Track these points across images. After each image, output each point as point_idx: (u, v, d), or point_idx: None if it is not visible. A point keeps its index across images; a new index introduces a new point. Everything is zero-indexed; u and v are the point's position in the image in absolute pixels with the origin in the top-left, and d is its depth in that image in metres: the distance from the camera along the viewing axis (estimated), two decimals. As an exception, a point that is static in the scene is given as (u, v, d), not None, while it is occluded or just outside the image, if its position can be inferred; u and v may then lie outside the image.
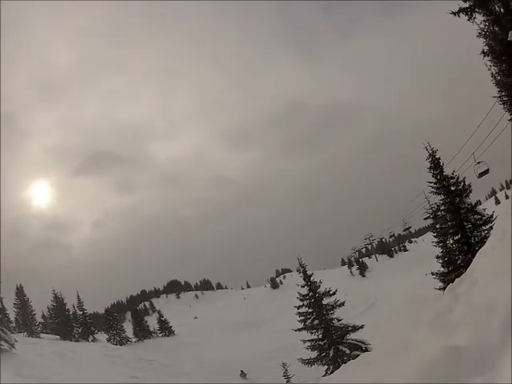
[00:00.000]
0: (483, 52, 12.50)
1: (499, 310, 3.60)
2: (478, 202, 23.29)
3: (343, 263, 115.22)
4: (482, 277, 5.77)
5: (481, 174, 23.93)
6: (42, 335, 48.09)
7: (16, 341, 28.85)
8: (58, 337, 47.05)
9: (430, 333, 4.56)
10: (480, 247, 14.75)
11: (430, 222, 26.54)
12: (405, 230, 69.30)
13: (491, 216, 20.92)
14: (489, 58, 12.64)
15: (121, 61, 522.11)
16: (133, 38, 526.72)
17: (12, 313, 49.06)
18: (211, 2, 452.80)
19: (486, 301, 4.07)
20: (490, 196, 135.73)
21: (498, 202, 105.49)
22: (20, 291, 50.94)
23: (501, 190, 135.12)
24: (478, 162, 22.95)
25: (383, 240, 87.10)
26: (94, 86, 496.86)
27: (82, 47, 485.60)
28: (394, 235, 76.79)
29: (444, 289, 20.45)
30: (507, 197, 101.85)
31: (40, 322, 53.08)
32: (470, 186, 21.62)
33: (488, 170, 23.42)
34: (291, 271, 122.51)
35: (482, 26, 11.92)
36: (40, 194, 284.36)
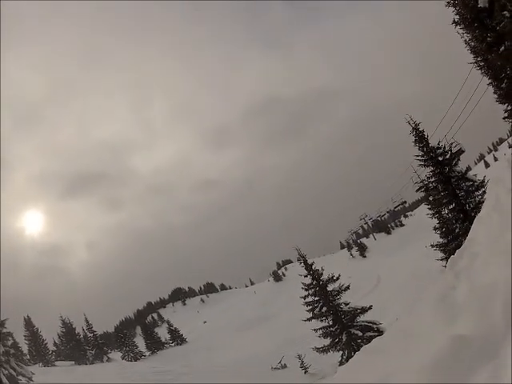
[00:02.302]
0: (454, 21, 12.49)
1: (501, 293, 3.55)
2: (468, 169, 23.38)
3: (342, 246, 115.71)
4: (482, 252, 5.77)
5: None
6: (56, 363, 48.01)
7: (33, 373, 28.68)
8: (73, 362, 47.22)
9: (435, 319, 4.52)
10: (476, 213, 14.82)
11: (422, 194, 26.61)
12: (398, 205, 69.64)
13: (483, 181, 21.08)
14: (460, 26, 12.62)
15: (90, 79, 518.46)
16: (99, 53, 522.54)
17: (24, 345, 48.82)
18: (176, 5, 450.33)
19: (488, 282, 4.02)
20: (479, 160, 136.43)
21: (487, 165, 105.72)
22: (28, 323, 50.68)
23: (489, 153, 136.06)
24: (451, 143, 23.12)
25: (379, 218, 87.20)
26: (67, 108, 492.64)
27: (49, 70, 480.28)
28: (389, 210, 76.91)
29: (446, 259, 20.62)
30: (496, 159, 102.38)
31: (53, 350, 53.10)
32: (457, 153, 21.76)
33: (461, 149, 23.62)
34: (292, 262, 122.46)
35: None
36: (31, 223, 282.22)
